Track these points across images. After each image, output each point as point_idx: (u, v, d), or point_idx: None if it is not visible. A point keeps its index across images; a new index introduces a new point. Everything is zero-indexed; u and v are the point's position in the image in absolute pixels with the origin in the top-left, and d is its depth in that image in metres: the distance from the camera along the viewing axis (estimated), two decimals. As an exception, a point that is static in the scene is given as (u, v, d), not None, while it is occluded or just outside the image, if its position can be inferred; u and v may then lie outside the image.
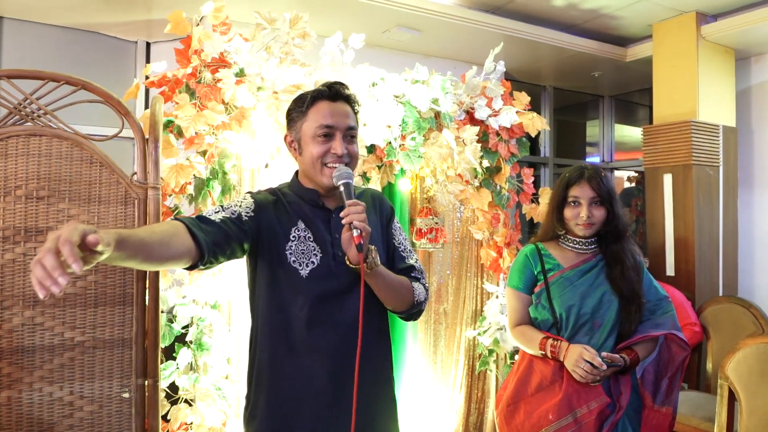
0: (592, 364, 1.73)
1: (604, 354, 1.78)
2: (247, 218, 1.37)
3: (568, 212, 1.91)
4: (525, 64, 4.41)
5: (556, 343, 1.82)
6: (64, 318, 1.64)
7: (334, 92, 1.43)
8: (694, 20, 3.63)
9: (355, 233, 1.29)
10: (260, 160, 2.33)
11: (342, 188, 1.36)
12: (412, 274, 1.53)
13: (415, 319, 1.58)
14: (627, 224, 1.96)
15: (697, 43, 3.63)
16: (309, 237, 1.42)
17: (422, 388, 2.89)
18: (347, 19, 3.40)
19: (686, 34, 3.67)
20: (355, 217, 1.29)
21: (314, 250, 1.41)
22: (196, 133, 2.13)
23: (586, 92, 5.36)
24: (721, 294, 3.72)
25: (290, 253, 1.40)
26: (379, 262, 1.39)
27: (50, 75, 1.64)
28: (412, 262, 1.55)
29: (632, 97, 5.40)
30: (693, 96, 3.64)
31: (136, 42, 3.61)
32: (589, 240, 1.94)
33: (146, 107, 3.40)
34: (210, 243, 1.26)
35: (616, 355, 1.79)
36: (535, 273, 1.95)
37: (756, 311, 3.18)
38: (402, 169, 2.65)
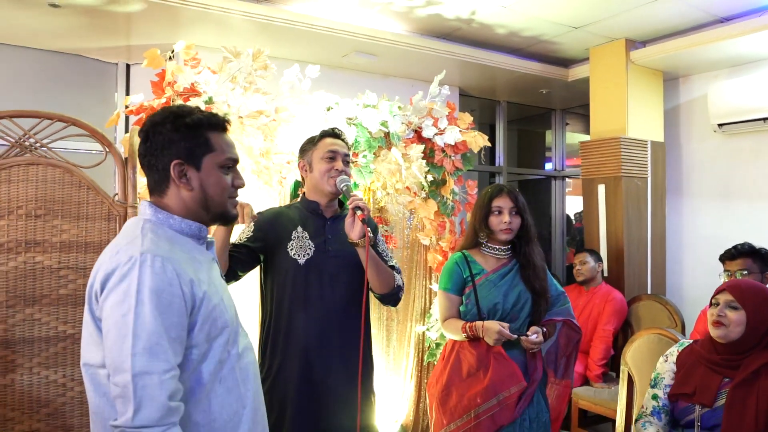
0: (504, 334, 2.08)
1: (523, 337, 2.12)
2: (249, 242, 1.95)
3: (493, 220, 2.23)
4: (479, 83, 4.70)
5: (473, 324, 2.15)
6: (57, 314, 1.98)
7: (336, 133, 2.08)
8: (623, 47, 3.97)
9: (359, 213, 1.84)
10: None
11: (344, 188, 1.95)
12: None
13: (394, 305, 2.13)
14: (535, 231, 2.34)
15: (626, 66, 3.98)
16: (306, 236, 1.98)
17: (377, 379, 3.21)
18: (309, 46, 3.67)
19: (617, 58, 4.01)
20: (360, 202, 1.87)
21: (310, 246, 1.97)
22: (169, 155, 2.45)
23: (538, 106, 5.66)
24: (649, 292, 4.11)
25: (291, 249, 1.95)
26: (374, 239, 2.02)
27: (45, 114, 1.97)
28: (393, 263, 2.10)
29: (580, 110, 5.71)
30: (623, 114, 3.98)
31: (117, 64, 3.91)
32: (506, 247, 2.29)
33: (126, 130, 3.71)
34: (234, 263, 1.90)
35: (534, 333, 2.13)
36: (465, 277, 2.26)
37: (671, 307, 3.56)
38: (355, 183, 2.96)
